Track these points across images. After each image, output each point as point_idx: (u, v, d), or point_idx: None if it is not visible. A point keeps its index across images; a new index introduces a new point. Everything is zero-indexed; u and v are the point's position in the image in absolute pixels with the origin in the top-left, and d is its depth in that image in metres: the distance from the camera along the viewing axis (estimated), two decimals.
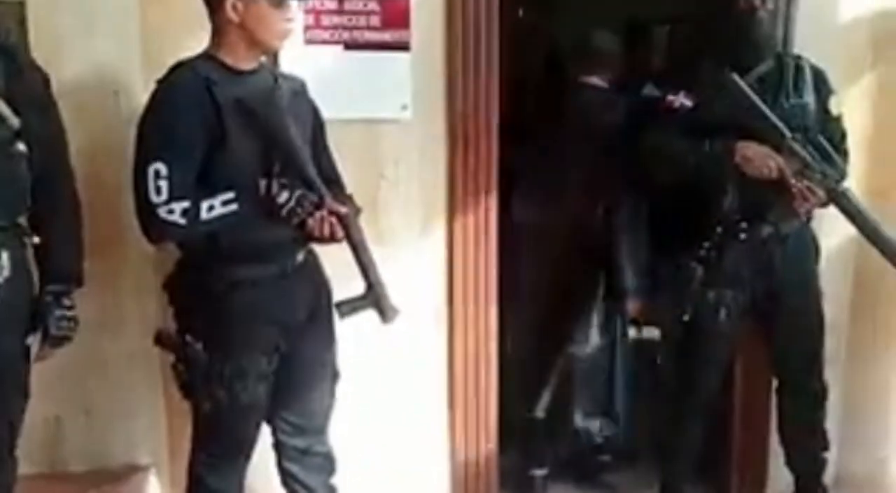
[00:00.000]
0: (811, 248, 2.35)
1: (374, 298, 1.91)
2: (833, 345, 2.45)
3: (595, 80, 2.74)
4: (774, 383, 2.47)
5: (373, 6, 2.31)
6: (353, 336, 2.10)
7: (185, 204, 1.75)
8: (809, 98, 2.23)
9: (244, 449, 2.00)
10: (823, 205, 2.14)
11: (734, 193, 2.20)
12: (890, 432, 2.68)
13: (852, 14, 2.48)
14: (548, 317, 2.77)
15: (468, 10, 2.34)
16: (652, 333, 2.90)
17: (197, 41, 1.87)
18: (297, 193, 1.81)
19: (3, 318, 1.78)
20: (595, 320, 2.71)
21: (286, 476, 2.12)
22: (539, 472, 2.80)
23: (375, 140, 2.37)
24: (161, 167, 1.74)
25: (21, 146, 1.76)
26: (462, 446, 2.58)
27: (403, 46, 2.33)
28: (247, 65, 1.86)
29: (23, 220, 1.83)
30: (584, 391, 2.75)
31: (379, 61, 2.32)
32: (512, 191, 2.82)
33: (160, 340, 1.96)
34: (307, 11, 2.24)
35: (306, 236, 1.89)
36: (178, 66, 1.83)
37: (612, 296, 2.67)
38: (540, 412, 2.76)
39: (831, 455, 2.50)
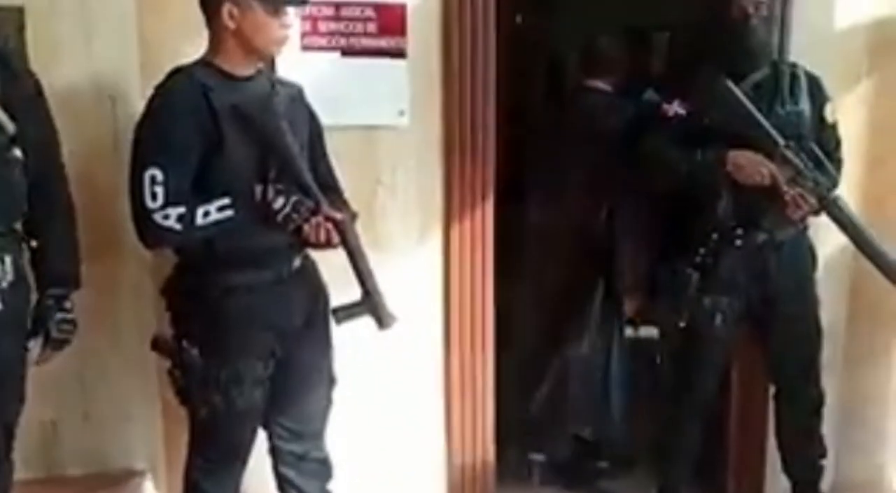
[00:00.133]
0: (807, 255, 2.35)
1: (370, 304, 1.90)
2: (830, 352, 2.45)
3: (600, 84, 2.77)
4: (772, 389, 2.47)
5: (369, 13, 2.31)
6: (350, 342, 2.10)
7: (181, 210, 1.76)
8: (805, 105, 2.24)
9: (240, 454, 2.00)
10: (816, 213, 2.15)
11: (729, 201, 2.20)
12: (887, 438, 2.68)
13: (848, 22, 2.49)
14: (547, 317, 2.79)
15: (464, 17, 2.35)
16: (650, 332, 2.89)
17: (194, 48, 1.88)
18: (293, 198, 1.82)
19: (4, 322, 1.79)
20: (593, 321, 2.72)
21: (282, 482, 2.11)
22: (537, 457, 2.82)
23: (372, 146, 2.38)
24: (157, 173, 1.75)
25: (17, 152, 1.77)
26: (459, 451, 2.58)
27: (400, 53, 2.34)
28: (244, 71, 1.87)
29: (19, 225, 1.85)
30: (579, 392, 2.77)
31: (376, 68, 2.33)
32: (514, 193, 2.86)
33: (157, 345, 1.97)
34: (304, 18, 2.25)
35: (302, 242, 1.89)
36: (176, 73, 1.84)
37: (610, 297, 2.69)
38: (536, 411, 2.78)
39: (829, 462, 2.50)
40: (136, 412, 2.30)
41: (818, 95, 2.27)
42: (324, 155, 2.06)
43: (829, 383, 2.45)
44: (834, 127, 2.30)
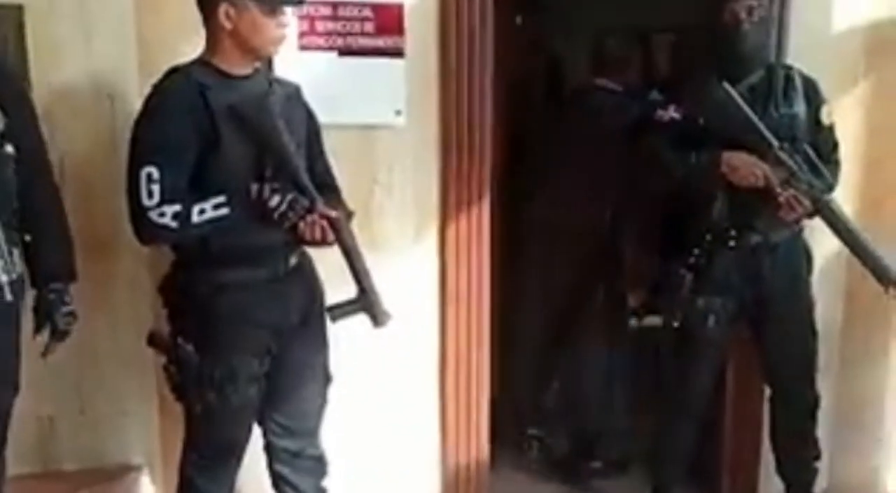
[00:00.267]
0: (802, 257, 2.36)
1: (365, 302, 1.91)
2: (826, 354, 2.45)
3: (609, 83, 2.79)
4: (767, 391, 2.47)
5: (367, 13, 2.32)
6: (345, 340, 2.11)
7: (177, 207, 1.77)
8: (800, 108, 2.24)
9: (235, 451, 2.01)
10: (810, 215, 2.15)
11: (723, 202, 2.21)
12: (882, 441, 2.68)
13: (845, 24, 2.48)
14: (552, 311, 2.82)
15: (462, 17, 2.35)
16: (654, 321, 2.89)
17: (192, 48, 1.89)
18: (289, 197, 1.82)
19: (9, 313, 1.84)
20: (597, 313, 2.77)
21: (277, 479, 2.13)
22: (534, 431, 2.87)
23: (369, 145, 2.39)
24: (153, 171, 1.76)
25: (9, 148, 1.80)
26: (453, 449, 2.59)
27: (398, 53, 2.35)
28: (241, 70, 1.88)
29: (14, 221, 1.86)
30: (583, 385, 2.81)
31: (373, 67, 2.34)
32: (518, 190, 2.88)
33: (153, 341, 1.98)
34: (302, 18, 2.26)
35: (298, 240, 1.90)
36: (173, 72, 1.85)
37: (614, 290, 2.71)
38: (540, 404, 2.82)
39: (824, 464, 2.50)
40: (133, 408, 2.32)
41: (814, 98, 2.27)
42: (321, 154, 2.07)
43: (825, 385, 2.45)
44: (831, 129, 2.30)
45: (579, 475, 2.88)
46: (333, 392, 2.13)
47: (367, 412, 2.45)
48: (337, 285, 1.96)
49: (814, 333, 2.37)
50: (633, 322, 2.93)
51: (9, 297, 1.82)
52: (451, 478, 2.60)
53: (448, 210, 2.46)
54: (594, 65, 2.88)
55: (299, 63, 2.26)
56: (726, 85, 2.14)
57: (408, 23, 2.35)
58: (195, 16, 1.86)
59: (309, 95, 2.03)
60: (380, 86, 2.35)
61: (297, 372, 2.04)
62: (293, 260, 1.97)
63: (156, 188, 1.76)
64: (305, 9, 2.18)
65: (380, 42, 2.34)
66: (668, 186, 2.26)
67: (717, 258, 2.25)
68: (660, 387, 2.55)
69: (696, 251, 2.25)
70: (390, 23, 2.33)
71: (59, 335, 1.94)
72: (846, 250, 2.24)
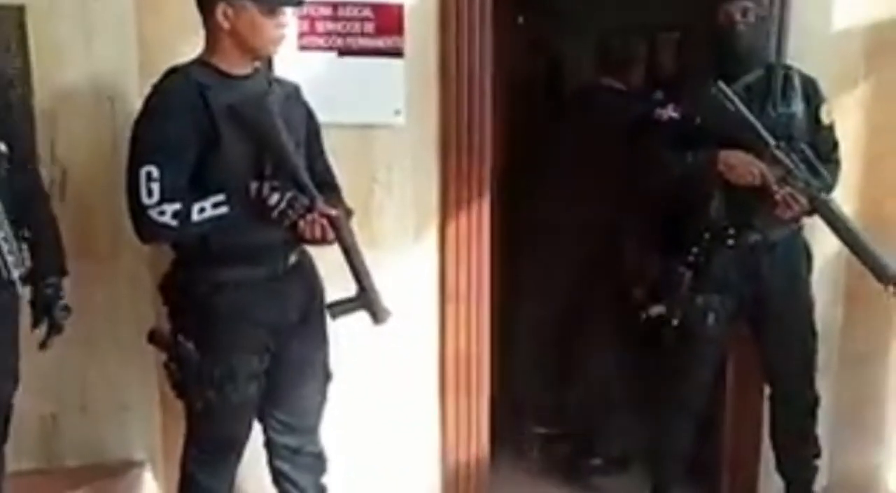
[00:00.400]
0: (802, 256, 2.36)
1: (365, 299, 1.92)
2: (825, 352, 2.45)
3: (615, 83, 2.80)
4: (767, 389, 2.48)
5: (367, 13, 2.33)
6: (345, 338, 2.12)
7: (177, 206, 1.78)
8: (798, 107, 2.24)
9: (235, 447, 2.02)
10: (808, 213, 2.15)
11: (721, 201, 2.21)
12: (883, 439, 2.68)
13: (845, 24, 2.48)
14: (551, 311, 2.84)
15: (461, 17, 2.36)
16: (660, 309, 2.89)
17: (192, 48, 1.91)
18: (288, 195, 1.83)
19: (13, 306, 1.88)
20: (602, 307, 2.78)
21: (277, 475, 2.14)
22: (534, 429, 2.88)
23: (369, 145, 2.40)
24: (153, 170, 1.77)
25: (2, 146, 1.83)
26: (453, 447, 2.60)
27: (397, 53, 2.36)
28: (240, 70, 1.89)
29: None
30: (587, 379, 2.83)
31: (373, 67, 2.35)
32: (521, 188, 2.89)
33: (153, 339, 2.00)
34: (302, 18, 2.28)
35: (298, 238, 1.91)
36: (173, 72, 1.87)
37: (615, 288, 2.73)
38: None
39: (825, 462, 2.50)
40: (135, 404, 2.34)
41: (813, 97, 2.27)
42: (321, 153, 2.08)
43: (825, 383, 2.45)
44: (830, 128, 2.30)
45: (579, 472, 2.89)
46: (333, 390, 2.14)
47: (366, 409, 2.47)
48: (337, 283, 1.98)
49: (813, 331, 2.37)
50: (642, 315, 2.94)
51: (20, 290, 1.86)
52: (451, 475, 2.61)
53: (447, 209, 2.46)
54: (598, 64, 2.89)
55: (299, 63, 2.28)
56: (721, 84, 2.14)
57: (408, 23, 2.36)
58: (195, 16, 1.87)
59: (309, 95, 2.04)
60: (379, 85, 2.36)
61: (298, 369, 2.05)
62: (293, 258, 1.98)
63: (156, 187, 1.77)
64: (305, 9, 2.20)
65: (379, 42, 2.35)
66: (666, 185, 2.27)
67: (715, 257, 2.25)
68: (660, 384, 2.56)
69: (694, 250, 2.25)
70: (390, 23, 2.34)
71: (55, 329, 1.98)
72: (846, 249, 2.24)
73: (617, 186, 2.66)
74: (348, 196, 2.08)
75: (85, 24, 2.13)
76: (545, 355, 2.98)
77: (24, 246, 1.88)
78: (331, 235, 1.88)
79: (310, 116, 2.05)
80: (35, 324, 1.96)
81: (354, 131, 2.36)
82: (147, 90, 1.87)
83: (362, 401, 2.43)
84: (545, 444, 3.00)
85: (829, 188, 2.20)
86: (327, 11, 2.32)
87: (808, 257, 2.37)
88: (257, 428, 2.07)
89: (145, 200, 1.78)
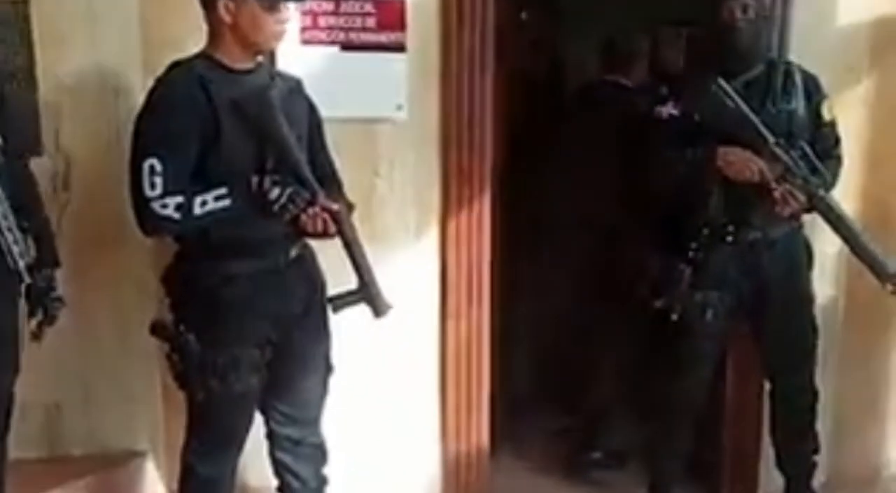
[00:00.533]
0: (802, 252, 2.36)
1: (366, 293, 1.94)
2: (825, 349, 2.45)
3: (621, 79, 2.80)
4: (767, 385, 2.48)
5: (369, 8, 2.34)
6: (347, 331, 2.13)
7: (179, 199, 1.79)
8: (798, 104, 2.23)
9: (236, 439, 2.03)
10: (807, 210, 2.16)
11: (719, 197, 2.21)
12: (883, 436, 2.69)
13: (849, 20, 2.47)
14: (552, 307, 2.85)
15: (463, 12, 2.37)
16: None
17: (195, 43, 1.92)
18: (290, 189, 1.84)
19: (18, 297, 1.90)
20: (607, 300, 2.78)
21: (278, 466, 2.16)
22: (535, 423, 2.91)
23: (371, 139, 2.41)
24: (156, 163, 1.78)
25: None
26: (454, 442, 2.61)
27: (399, 47, 2.36)
28: (243, 64, 1.90)
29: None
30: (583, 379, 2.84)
31: (375, 62, 2.36)
32: (523, 186, 2.90)
33: (156, 330, 2.00)
34: (304, 12, 2.28)
35: (299, 232, 1.92)
36: (176, 66, 1.88)
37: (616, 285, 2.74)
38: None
39: (825, 458, 2.51)
40: (138, 395, 2.37)
41: (815, 94, 2.27)
42: (323, 147, 2.09)
43: (824, 379, 2.45)
44: (832, 125, 2.30)
45: (580, 466, 2.89)
46: (334, 384, 2.15)
47: (367, 403, 2.48)
48: (338, 277, 1.99)
49: (814, 327, 2.38)
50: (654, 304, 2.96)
51: (27, 280, 1.88)
52: (452, 469, 2.62)
53: (449, 204, 2.47)
54: (602, 60, 2.90)
55: (302, 57, 2.29)
56: (720, 80, 2.14)
57: (409, 18, 2.36)
58: (198, 11, 1.88)
59: (311, 89, 2.05)
60: (381, 80, 2.37)
61: (299, 362, 2.06)
62: (294, 252, 1.99)
63: (158, 180, 1.79)
64: (308, 4, 2.20)
65: (382, 37, 2.36)
66: (665, 182, 2.27)
67: (714, 253, 2.25)
68: (660, 380, 2.57)
69: (693, 246, 2.26)
70: (392, 18, 2.35)
71: (49, 319, 2.00)
72: (846, 247, 2.24)
73: (618, 182, 2.67)
74: (350, 190, 2.09)
75: (89, 18, 2.15)
76: (545, 350, 2.99)
77: (30, 237, 1.91)
78: (332, 229, 1.89)
79: (312, 110, 2.06)
80: (31, 315, 1.98)
81: (356, 126, 2.36)
82: (150, 84, 1.88)
83: (363, 395, 2.44)
84: (545, 438, 3.01)
85: (829, 185, 2.20)
86: (330, 6, 2.33)
87: (809, 253, 2.37)
88: (258, 419, 2.08)
89: (148, 192, 1.79)
